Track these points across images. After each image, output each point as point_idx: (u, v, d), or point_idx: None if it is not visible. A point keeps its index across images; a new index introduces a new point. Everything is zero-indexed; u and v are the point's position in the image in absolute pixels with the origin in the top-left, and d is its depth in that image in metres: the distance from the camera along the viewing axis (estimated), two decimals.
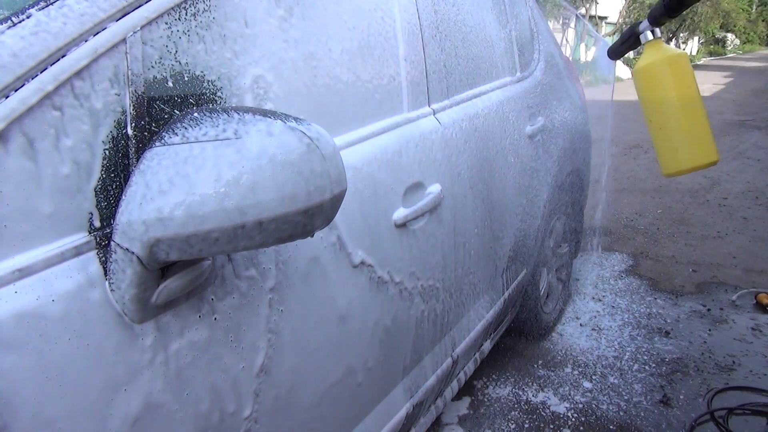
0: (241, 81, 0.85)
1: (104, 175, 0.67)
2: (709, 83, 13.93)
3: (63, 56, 0.63)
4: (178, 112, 0.74)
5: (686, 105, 1.36)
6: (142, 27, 0.71)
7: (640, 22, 1.39)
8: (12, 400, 0.57)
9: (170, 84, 0.75)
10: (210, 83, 0.80)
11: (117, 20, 0.69)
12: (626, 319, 2.58)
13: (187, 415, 0.76)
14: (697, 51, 27.65)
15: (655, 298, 2.78)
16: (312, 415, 1.01)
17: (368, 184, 1.10)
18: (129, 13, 0.70)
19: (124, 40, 0.69)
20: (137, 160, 0.68)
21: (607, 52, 1.55)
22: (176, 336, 0.74)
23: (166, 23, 0.74)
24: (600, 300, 2.78)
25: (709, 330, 2.46)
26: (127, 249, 0.64)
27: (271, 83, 0.91)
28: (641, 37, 1.38)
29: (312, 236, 0.72)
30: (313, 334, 0.99)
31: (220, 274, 0.81)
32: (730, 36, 31.10)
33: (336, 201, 0.68)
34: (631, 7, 18.01)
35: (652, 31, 1.37)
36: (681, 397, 2.01)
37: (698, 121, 1.38)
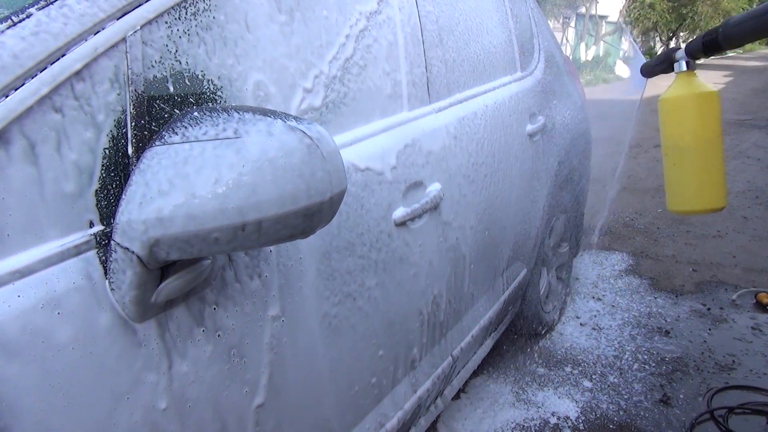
0: (241, 83, 0.85)
1: (104, 175, 0.67)
2: (709, 83, 13.90)
3: (63, 56, 0.63)
4: (178, 112, 0.74)
5: (706, 147, 1.29)
6: (142, 26, 0.71)
7: (678, 48, 1.33)
8: (11, 400, 0.57)
9: (170, 83, 0.75)
10: (210, 83, 0.80)
11: (117, 19, 0.69)
12: (626, 319, 2.58)
13: (190, 418, 0.76)
14: None
15: (655, 298, 2.78)
16: (311, 414, 1.01)
17: (368, 184, 1.10)
18: (129, 12, 0.70)
19: (124, 40, 0.69)
20: (137, 160, 0.68)
21: (641, 69, 1.49)
22: (176, 336, 0.74)
23: (166, 23, 0.74)
24: (600, 299, 2.78)
25: (709, 329, 2.46)
26: (127, 248, 0.64)
27: (270, 84, 0.91)
28: (675, 65, 1.31)
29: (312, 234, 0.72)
30: (314, 334, 0.99)
31: (220, 275, 0.81)
32: None
33: (336, 200, 0.68)
34: (632, 6, 17.99)
35: (687, 62, 1.30)
36: (681, 396, 2.01)
37: (714, 165, 1.30)
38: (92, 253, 0.65)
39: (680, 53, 1.32)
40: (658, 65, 1.40)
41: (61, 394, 0.61)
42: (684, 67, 1.31)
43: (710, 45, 1.24)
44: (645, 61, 1.49)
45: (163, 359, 0.72)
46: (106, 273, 0.66)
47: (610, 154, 3.67)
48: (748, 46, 32.80)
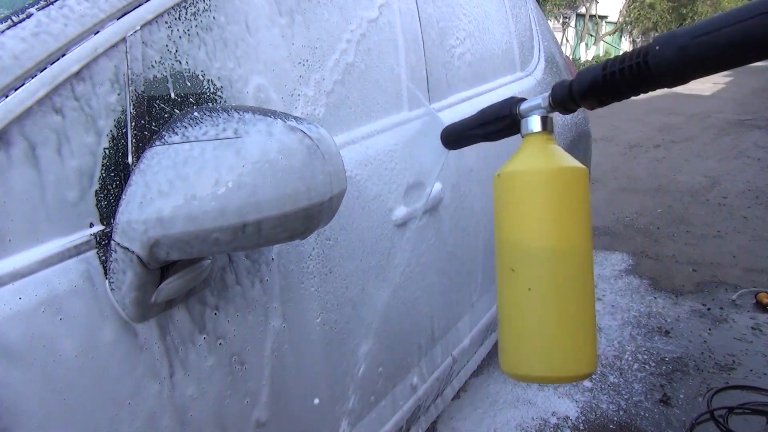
0: (242, 84, 0.85)
1: (104, 175, 0.67)
2: (709, 83, 13.93)
3: (63, 56, 0.63)
4: (178, 112, 0.74)
5: (564, 263, 0.67)
6: (142, 27, 0.71)
7: (522, 99, 0.76)
8: (11, 402, 0.57)
9: (170, 83, 0.75)
10: (210, 83, 0.80)
11: (117, 20, 0.69)
12: (626, 319, 2.58)
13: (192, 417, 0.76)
14: None
15: (655, 298, 2.78)
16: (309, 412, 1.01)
17: (369, 183, 1.10)
18: (129, 12, 0.70)
19: (124, 40, 0.69)
20: (137, 160, 0.68)
21: (442, 134, 0.87)
22: (176, 337, 0.74)
23: (167, 23, 0.74)
24: (600, 299, 2.78)
25: (709, 329, 2.46)
26: (127, 248, 0.64)
27: (270, 86, 0.91)
28: (524, 123, 0.74)
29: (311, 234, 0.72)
30: (314, 334, 0.99)
31: (220, 275, 0.81)
32: None
33: (336, 201, 0.68)
34: (632, 6, 17.99)
35: (544, 119, 0.72)
36: (681, 396, 2.01)
37: (578, 302, 0.68)
38: (92, 254, 0.65)
39: (530, 104, 0.75)
40: (483, 126, 0.78)
41: (61, 396, 0.61)
42: (536, 127, 0.72)
43: (630, 81, 0.63)
44: (441, 122, 0.88)
45: (164, 362, 0.72)
46: (106, 273, 0.66)
47: None
48: None
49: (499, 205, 0.73)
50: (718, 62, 0.57)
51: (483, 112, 0.80)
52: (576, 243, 0.67)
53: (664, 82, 0.62)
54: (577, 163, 0.69)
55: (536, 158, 0.70)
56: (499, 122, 0.78)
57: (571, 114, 2.37)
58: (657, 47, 0.59)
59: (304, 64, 0.97)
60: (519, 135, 0.76)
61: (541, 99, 0.72)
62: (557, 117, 2.17)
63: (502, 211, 0.73)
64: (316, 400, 1.02)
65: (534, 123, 0.73)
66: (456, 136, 0.86)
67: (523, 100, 0.75)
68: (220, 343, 0.80)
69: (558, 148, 0.72)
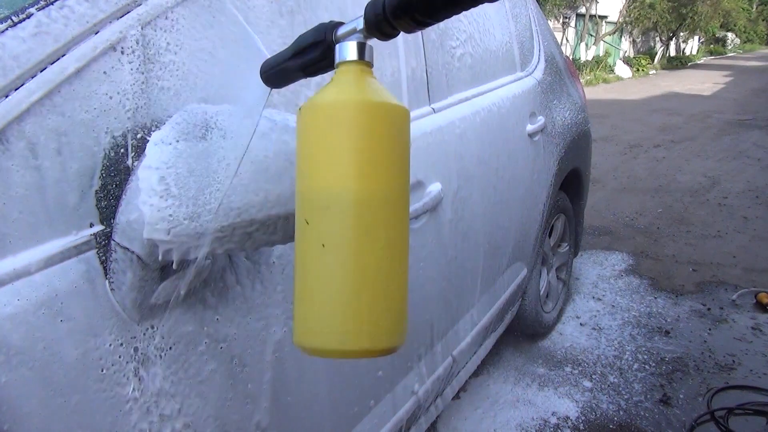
0: (242, 84, 0.85)
1: (104, 174, 0.67)
2: (709, 82, 13.93)
3: (63, 56, 0.63)
4: (178, 111, 0.74)
5: (383, 217, 0.55)
6: (143, 26, 0.71)
7: (339, 23, 0.62)
8: (12, 402, 0.57)
9: (171, 83, 0.74)
10: (210, 82, 0.80)
11: (117, 19, 0.69)
12: (626, 319, 2.58)
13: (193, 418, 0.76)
14: (698, 50, 27.65)
15: (656, 298, 2.78)
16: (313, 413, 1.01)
17: None
18: (129, 12, 0.70)
19: (124, 39, 0.69)
20: (137, 160, 0.68)
21: (262, 69, 0.68)
22: (176, 336, 0.74)
23: (167, 22, 0.74)
24: (600, 299, 2.78)
25: (709, 329, 2.46)
26: (127, 248, 0.64)
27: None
28: (338, 48, 0.60)
29: None
30: None
31: (221, 275, 0.81)
32: (730, 35, 31.09)
33: None
34: (632, 6, 17.99)
35: (362, 46, 0.58)
36: (681, 396, 2.01)
37: (391, 258, 0.56)
38: (92, 254, 0.65)
39: (347, 28, 0.60)
40: (300, 54, 0.64)
41: (61, 397, 0.61)
42: (352, 54, 0.59)
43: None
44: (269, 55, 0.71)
45: (165, 363, 0.72)
46: (106, 273, 0.66)
47: None
48: (748, 46, 32.80)
49: (299, 143, 0.57)
50: None
51: (298, 39, 0.64)
52: (384, 194, 0.54)
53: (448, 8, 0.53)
54: (395, 101, 0.57)
55: (345, 90, 0.56)
56: (314, 50, 0.62)
57: (575, 115, 2.39)
58: None
59: None
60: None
61: (357, 22, 0.59)
62: (558, 117, 2.18)
63: (302, 151, 0.57)
64: (317, 403, 1.02)
65: (348, 49, 0.58)
66: (274, 71, 0.67)
67: (341, 24, 0.61)
68: (221, 347, 0.80)
69: (375, 82, 0.58)
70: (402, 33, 0.55)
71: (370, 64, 0.58)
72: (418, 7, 0.53)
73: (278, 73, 0.66)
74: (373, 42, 0.58)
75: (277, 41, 0.93)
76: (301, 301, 0.55)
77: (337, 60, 0.59)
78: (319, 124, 0.55)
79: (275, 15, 0.92)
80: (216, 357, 0.79)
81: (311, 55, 0.62)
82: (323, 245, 0.53)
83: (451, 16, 0.54)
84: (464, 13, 0.68)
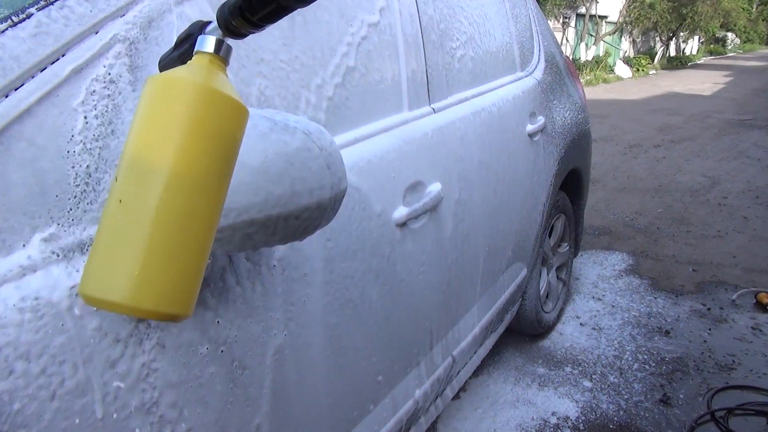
0: (243, 86, 0.85)
1: (104, 173, 0.67)
2: (709, 82, 13.93)
3: (63, 56, 0.63)
4: None
5: (188, 190, 0.59)
6: (143, 25, 0.71)
7: (209, 22, 0.69)
8: (10, 404, 0.57)
9: None
10: None
11: (117, 18, 0.69)
12: (626, 319, 2.58)
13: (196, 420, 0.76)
14: (698, 50, 27.65)
15: (656, 298, 2.78)
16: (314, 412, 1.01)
17: (369, 184, 1.10)
18: (129, 11, 0.70)
19: (124, 39, 0.69)
20: None
21: (159, 61, 0.77)
22: (175, 338, 0.74)
23: (167, 21, 0.74)
24: (600, 299, 2.78)
25: (709, 329, 2.47)
26: None
27: (270, 83, 0.91)
28: (198, 40, 0.67)
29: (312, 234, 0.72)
30: (315, 339, 0.99)
31: (221, 275, 0.81)
32: (730, 35, 31.08)
33: (336, 200, 0.68)
34: (632, 6, 17.98)
35: (219, 42, 0.66)
36: (681, 396, 2.01)
37: (188, 230, 0.59)
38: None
39: (212, 26, 0.69)
40: (176, 49, 0.73)
41: (58, 399, 0.61)
42: (210, 46, 0.66)
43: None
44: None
45: (164, 363, 0.72)
46: None
47: None
48: (748, 46, 32.80)
49: (138, 108, 0.61)
50: None
51: (180, 34, 0.72)
52: (195, 174, 0.58)
53: (290, 3, 0.59)
54: (237, 98, 0.62)
55: (191, 73, 0.62)
56: (187, 42, 0.70)
57: (575, 115, 2.39)
58: None
59: (305, 66, 0.97)
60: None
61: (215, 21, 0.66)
62: (558, 117, 2.18)
63: (137, 115, 0.61)
64: (316, 405, 1.02)
65: (206, 42, 0.65)
66: (165, 62, 0.74)
67: (210, 22, 0.68)
68: (221, 351, 0.80)
69: (223, 77, 0.64)
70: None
71: (223, 60, 0.64)
72: (246, 8, 0.60)
73: (167, 63, 0.72)
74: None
75: (278, 42, 0.93)
76: (94, 252, 0.56)
77: (195, 49, 0.64)
78: (157, 94, 0.59)
79: None
80: (216, 360, 0.79)
81: (185, 47, 0.69)
82: (120, 201, 0.56)
83: (275, 19, 0.61)
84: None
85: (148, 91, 0.60)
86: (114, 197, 0.57)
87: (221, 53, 0.64)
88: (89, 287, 0.56)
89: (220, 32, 0.65)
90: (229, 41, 0.63)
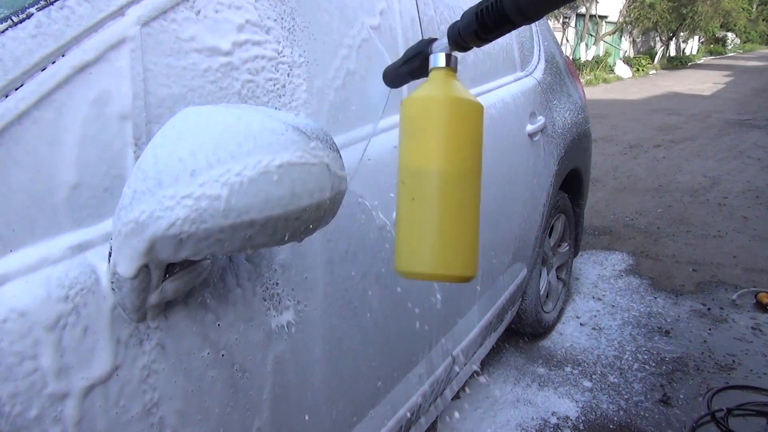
0: (244, 81, 0.85)
1: (105, 173, 0.67)
2: (710, 82, 13.93)
3: (63, 56, 0.63)
4: (180, 110, 0.74)
5: (458, 183, 0.76)
6: (143, 25, 0.71)
7: (434, 39, 0.85)
8: (9, 400, 0.57)
9: (172, 83, 0.74)
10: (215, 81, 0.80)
11: (118, 18, 0.69)
12: (626, 319, 2.58)
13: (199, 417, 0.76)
14: (698, 50, 27.64)
15: (655, 298, 2.78)
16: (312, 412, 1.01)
17: (369, 184, 1.10)
18: (129, 11, 0.70)
19: (125, 38, 0.69)
20: (137, 158, 0.68)
21: (383, 74, 0.98)
22: (175, 339, 0.74)
23: (167, 21, 0.74)
24: (600, 299, 2.78)
25: (710, 329, 2.47)
26: (127, 247, 0.64)
27: (276, 84, 0.91)
28: (431, 58, 0.82)
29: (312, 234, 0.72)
30: (315, 341, 0.99)
31: (221, 276, 0.81)
32: (730, 35, 31.08)
33: (336, 201, 0.67)
34: (632, 6, 17.98)
35: (449, 56, 0.81)
36: (681, 396, 2.01)
37: (463, 214, 0.78)
38: (92, 253, 0.65)
39: (440, 43, 0.84)
40: (407, 64, 0.90)
41: (59, 402, 0.61)
42: (441, 62, 0.81)
43: (493, 18, 0.74)
44: (387, 62, 1.02)
45: (164, 364, 0.72)
46: (107, 272, 0.66)
47: None
48: (748, 46, 32.83)
49: (400, 127, 0.80)
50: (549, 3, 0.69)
51: (406, 51, 0.90)
52: (462, 165, 0.76)
53: (517, 20, 0.72)
54: (473, 98, 0.78)
55: (435, 88, 0.78)
56: (417, 59, 0.87)
57: (575, 115, 2.38)
58: None
59: (306, 66, 0.97)
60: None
61: (443, 39, 0.82)
62: (558, 117, 2.18)
63: (402, 132, 0.80)
64: (317, 408, 1.02)
65: (438, 59, 0.81)
66: (391, 75, 0.95)
67: (435, 40, 0.84)
68: (222, 355, 0.80)
69: (459, 84, 0.80)
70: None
71: (454, 70, 0.81)
72: (480, 29, 0.75)
73: (394, 77, 0.94)
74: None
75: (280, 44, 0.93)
76: (400, 240, 0.77)
77: (431, 66, 0.82)
78: (413, 112, 0.77)
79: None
80: (217, 364, 0.79)
81: (415, 64, 0.87)
82: (413, 199, 0.76)
83: (504, 34, 0.75)
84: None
85: (407, 112, 0.78)
86: (407, 197, 0.76)
87: (452, 65, 0.81)
88: (403, 265, 0.77)
89: (447, 48, 0.81)
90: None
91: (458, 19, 0.78)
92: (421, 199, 0.75)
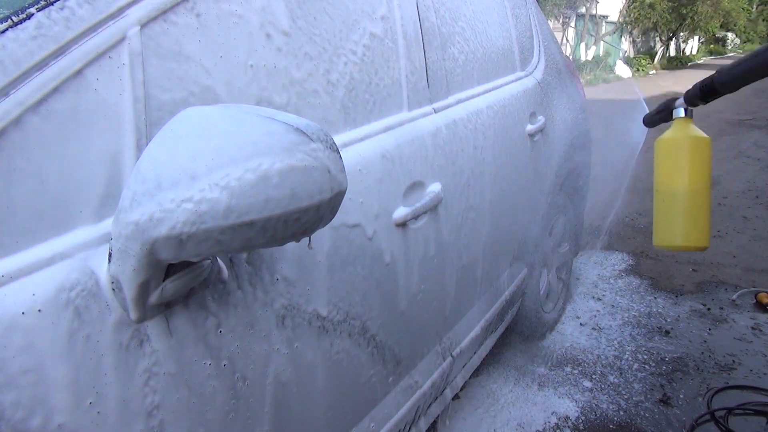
0: (242, 80, 0.85)
1: (105, 174, 0.67)
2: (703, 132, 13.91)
3: (62, 55, 0.63)
4: (179, 112, 0.74)
5: (696, 189, 1.37)
6: (143, 26, 0.71)
7: (677, 98, 1.42)
8: (9, 400, 0.57)
9: (172, 84, 0.74)
10: (214, 84, 0.80)
11: (118, 18, 0.69)
12: (626, 318, 2.58)
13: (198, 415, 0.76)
14: (698, 50, 27.63)
15: (655, 298, 2.78)
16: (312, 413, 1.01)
17: (369, 184, 1.10)
18: (129, 11, 0.70)
19: (124, 38, 0.69)
20: (137, 159, 0.68)
21: (643, 119, 1.58)
22: (175, 338, 0.74)
23: (167, 22, 0.74)
24: (600, 299, 2.78)
25: (709, 329, 2.46)
26: (128, 248, 0.64)
27: (273, 83, 0.91)
28: (674, 111, 1.41)
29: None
30: (316, 342, 0.99)
31: (220, 276, 0.81)
32: (730, 35, 31.07)
33: (336, 201, 0.67)
34: (632, 6, 17.98)
35: (686, 110, 1.40)
36: (681, 396, 2.01)
37: (701, 207, 1.39)
38: (93, 253, 0.65)
39: (679, 101, 1.40)
40: (658, 114, 1.48)
41: (60, 398, 0.61)
42: (682, 114, 1.40)
43: (707, 91, 1.30)
44: (647, 111, 1.58)
45: (164, 365, 0.72)
46: (107, 272, 0.66)
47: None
48: (748, 46, 32.84)
49: (656, 159, 1.43)
50: (745, 79, 1.22)
51: (658, 106, 1.48)
52: (696, 185, 1.36)
53: (724, 91, 1.27)
54: (705, 136, 1.37)
55: (679, 131, 1.39)
56: (664, 111, 1.46)
57: (575, 114, 2.39)
58: (716, 74, 1.28)
59: (306, 64, 0.97)
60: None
61: (681, 99, 1.39)
62: (558, 117, 2.17)
63: (657, 162, 1.42)
64: (316, 411, 1.02)
65: (680, 111, 1.41)
66: (648, 120, 1.55)
67: (676, 99, 1.42)
68: (224, 365, 0.80)
69: (695, 127, 1.39)
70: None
71: (691, 119, 1.40)
72: (702, 96, 1.32)
73: (654, 120, 1.52)
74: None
75: (280, 47, 0.93)
76: (658, 225, 1.42)
77: (674, 116, 1.43)
78: (670, 147, 1.40)
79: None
80: (219, 371, 0.79)
81: (663, 114, 1.47)
82: (663, 201, 1.40)
83: (717, 98, 1.31)
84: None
85: (663, 147, 1.41)
86: (660, 199, 1.41)
87: (688, 115, 1.41)
88: (661, 241, 1.42)
89: (684, 104, 1.40)
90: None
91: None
92: (671, 201, 1.38)
